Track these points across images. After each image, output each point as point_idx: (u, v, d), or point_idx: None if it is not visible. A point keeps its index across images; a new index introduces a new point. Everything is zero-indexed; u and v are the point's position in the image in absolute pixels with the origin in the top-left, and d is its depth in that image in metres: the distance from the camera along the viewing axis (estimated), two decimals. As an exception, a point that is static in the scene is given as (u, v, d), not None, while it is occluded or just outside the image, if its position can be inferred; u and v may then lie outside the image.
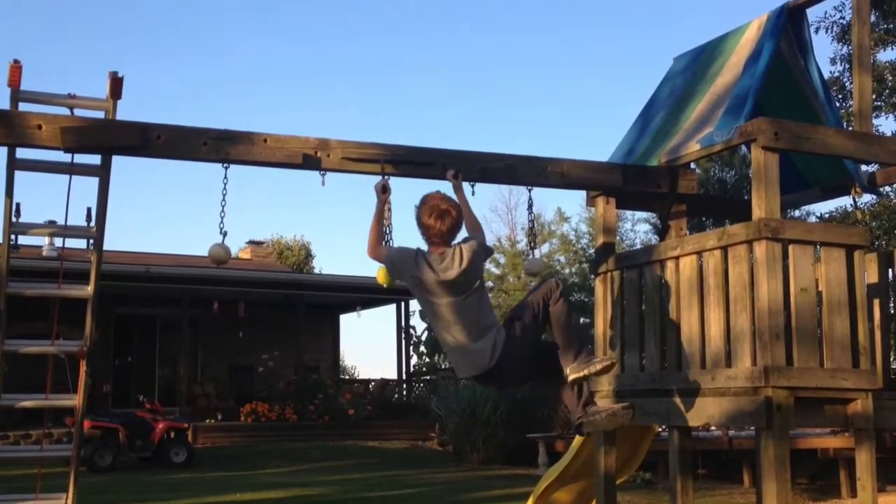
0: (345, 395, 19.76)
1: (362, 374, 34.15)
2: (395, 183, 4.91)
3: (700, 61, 6.07)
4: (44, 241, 18.13)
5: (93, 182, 5.26)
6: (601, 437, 5.57)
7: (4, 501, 6.55)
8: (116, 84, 5.02)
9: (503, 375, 4.52)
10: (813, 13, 12.97)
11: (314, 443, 17.53)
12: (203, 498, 11.22)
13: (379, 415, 19.89)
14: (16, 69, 4.82)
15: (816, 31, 15.37)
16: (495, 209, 42.26)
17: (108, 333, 19.69)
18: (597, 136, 50.85)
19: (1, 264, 5.34)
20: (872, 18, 14.68)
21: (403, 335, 22.51)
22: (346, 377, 28.18)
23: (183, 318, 19.38)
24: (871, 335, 5.22)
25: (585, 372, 4.40)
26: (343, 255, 58.69)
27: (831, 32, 15.71)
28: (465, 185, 4.96)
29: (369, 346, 54.16)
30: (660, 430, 8.19)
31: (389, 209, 4.86)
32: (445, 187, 4.90)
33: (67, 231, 5.70)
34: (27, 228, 5.61)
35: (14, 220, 5.32)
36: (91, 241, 5.67)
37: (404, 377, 22.52)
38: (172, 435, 15.00)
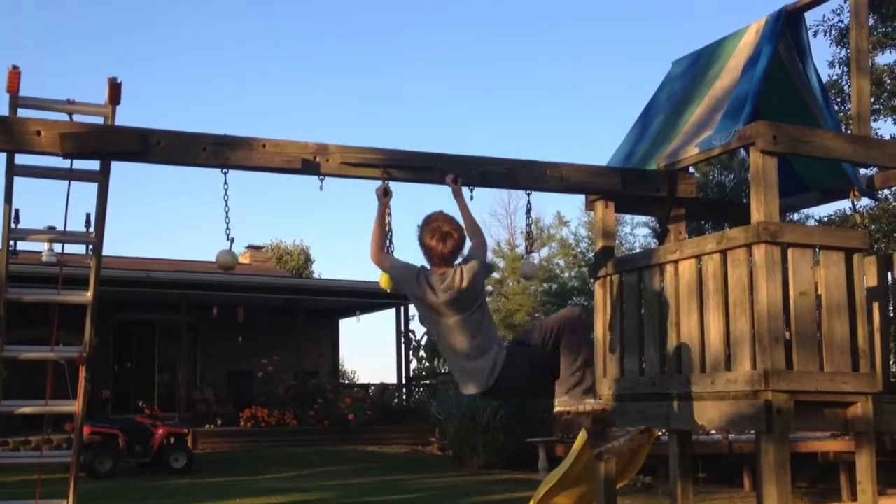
0: (344, 399, 19.74)
1: (362, 378, 34.15)
2: (394, 186, 4.92)
3: (699, 65, 6.08)
4: (43, 246, 18.16)
5: (92, 188, 5.26)
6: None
7: (4, 507, 6.53)
8: (115, 89, 5.02)
9: (503, 394, 4.50)
10: (811, 17, 12.98)
11: (314, 448, 17.50)
12: (203, 503, 11.21)
13: (379, 419, 19.87)
14: (14, 75, 4.82)
15: (815, 34, 15.41)
16: (494, 213, 42.43)
17: (107, 339, 19.67)
18: (597, 137, 50.96)
19: (0, 270, 5.33)
20: (870, 22, 14.69)
21: (403, 340, 22.49)
22: (346, 382, 28.14)
23: (182, 323, 19.37)
24: (870, 338, 5.22)
25: (572, 409, 4.35)
26: (342, 259, 58.77)
27: (829, 36, 15.74)
28: (465, 190, 4.96)
29: (369, 350, 54.18)
30: (660, 434, 8.18)
31: (389, 213, 4.86)
32: (444, 191, 4.91)
33: (66, 237, 5.69)
34: (26, 234, 5.60)
35: (13, 225, 5.31)
36: (90, 246, 5.66)
37: (404, 382, 22.50)
38: (172, 440, 15.00)
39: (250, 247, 29.47)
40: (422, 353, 23.28)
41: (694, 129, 5.53)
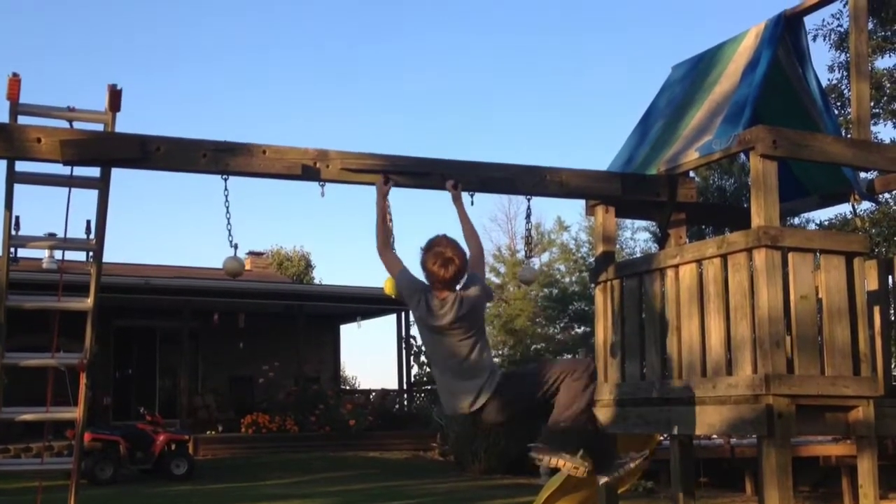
0: (345, 405, 19.73)
1: (363, 384, 34.05)
2: (394, 191, 4.92)
3: (698, 70, 6.08)
4: (43, 253, 18.15)
5: (92, 194, 5.27)
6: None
7: (5, 515, 6.53)
8: (115, 96, 5.03)
9: (483, 421, 4.43)
10: (810, 21, 12.94)
11: (315, 454, 17.50)
12: (204, 510, 11.22)
13: (380, 425, 19.86)
14: (15, 82, 4.83)
15: (814, 38, 15.39)
16: (495, 218, 42.25)
17: (108, 346, 19.68)
18: (597, 142, 50.96)
19: (1, 277, 5.34)
20: (870, 26, 14.68)
21: (404, 345, 22.48)
22: (347, 387, 28.12)
23: (183, 329, 19.38)
24: (871, 342, 5.22)
25: (551, 460, 4.31)
26: (343, 265, 58.75)
27: (829, 40, 15.73)
28: (465, 196, 4.96)
29: (370, 356, 54.11)
30: (661, 438, 8.17)
31: (389, 212, 4.84)
32: (444, 197, 4.91)
33: (67, 243, 5.70)
34: (27, 241, 5.61)
35: (13, 232, 5.32)
36: (90, 253, 5.67)
37: (405, 387, 22.49)
38: (173, 447, 14.99)
39: (251, 253, 29.48)
40: (423, 358, 23.27)
41: (694, 134, 5.53)
